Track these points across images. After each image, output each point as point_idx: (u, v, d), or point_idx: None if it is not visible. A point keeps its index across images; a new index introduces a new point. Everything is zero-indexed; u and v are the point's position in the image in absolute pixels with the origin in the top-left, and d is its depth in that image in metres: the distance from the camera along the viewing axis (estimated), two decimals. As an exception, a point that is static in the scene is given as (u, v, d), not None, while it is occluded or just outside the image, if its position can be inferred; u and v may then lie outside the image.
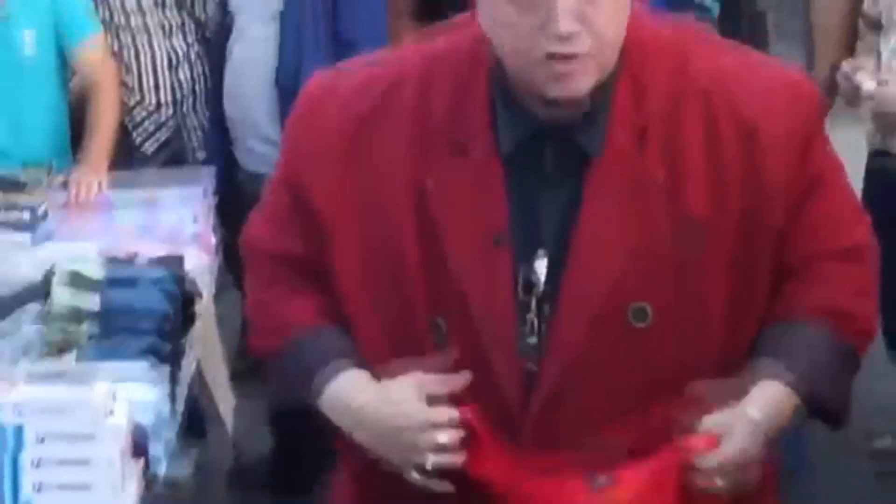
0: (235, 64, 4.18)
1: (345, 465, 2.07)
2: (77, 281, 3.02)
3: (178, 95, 4.44)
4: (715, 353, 1.87)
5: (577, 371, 1.84)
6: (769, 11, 3.60)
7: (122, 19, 4.37)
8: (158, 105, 4.42)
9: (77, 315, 2.92)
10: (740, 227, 1.86)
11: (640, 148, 1.84)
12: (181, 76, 4.44)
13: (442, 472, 1.85)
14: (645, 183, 1.83)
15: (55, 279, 3.02)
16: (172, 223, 3.66)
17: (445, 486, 1.85)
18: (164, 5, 4.40)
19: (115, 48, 4.35)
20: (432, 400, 1.85)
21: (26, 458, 2.29)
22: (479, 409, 1.85)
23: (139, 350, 2.78)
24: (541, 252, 1.87)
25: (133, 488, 2.41)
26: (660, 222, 1.84)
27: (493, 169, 1.87)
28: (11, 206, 3.68)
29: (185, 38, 4.44)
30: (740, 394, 1.85)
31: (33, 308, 3.01)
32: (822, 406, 1.92)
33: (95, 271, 3.09)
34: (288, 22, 4.03)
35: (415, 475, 1.85)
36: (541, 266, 1.87)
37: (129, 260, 3.24)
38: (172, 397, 2.80)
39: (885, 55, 3.72)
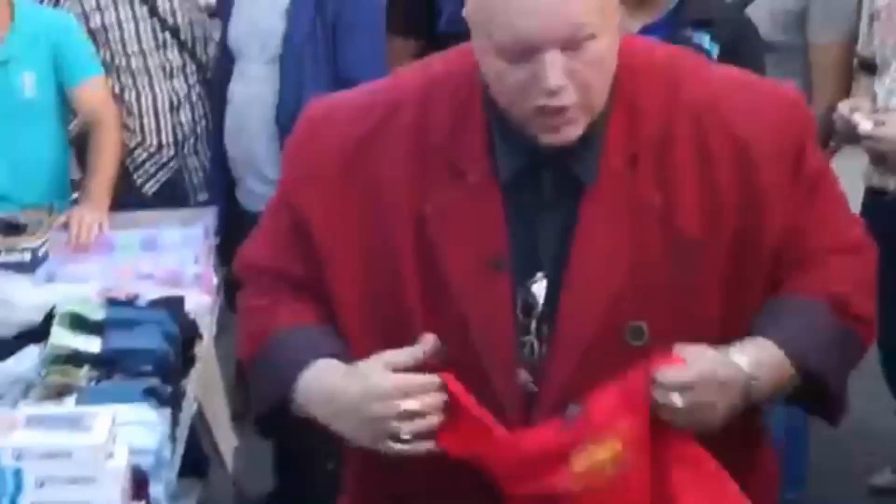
0: (236, 105, 4.19)
1: (349, 468, 2.08)
2: (77, 323, 3.03)
3: (180, 137, 4.45)
4: None
5: (576, 390, 1.85)
6: (768, 53, 3.61)
7: (124, 61, 4.39)
8: (160, 146, 4.44)
9: (77, 357, 2.92)
10: (735, 246, 1.88)
11: (634, 171, 1.86)
12: (182, 118, 4.45)
13: (442, 470, 1.86)
14: (639, 205, 1.86)
15: (55, 321, 3.03)
16: (173, 264, 3.66)
17: (425, 447, 1.84)
18: (165, 47, 4.43)
19: (117, 90, 4.37)
20: (401, 372, 1.86)
21: (26, 502, 2.29)
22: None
23: (139, 392, 2.78)
24: (539, 275, 1.89)
25: (134, 530, 2.41)
26: (654, 243, 1.86)
27: (492, 193, 1.89)
28: (11, 248, 3.68)
29: (186, 80, 4.46)
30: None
31: (33, 350, 3.02)
32: (817, 380, 1.90)
33: (96, 313, 3.10)
34: (288, 63, 4.05)
35: (391, 445, 1.84)
36: (539, 288, 1.89)
37: (130, 301, 3.24)
38: (173, 439, 2.80)
39: (880, 95, 3.74)
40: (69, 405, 2.76)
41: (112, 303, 3.21)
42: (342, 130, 1.97)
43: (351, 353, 1.93)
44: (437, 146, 1.90)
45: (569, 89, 1.78)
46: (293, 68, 4.03)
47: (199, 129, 4.47)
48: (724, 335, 1.88)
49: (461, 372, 1.86)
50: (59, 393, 2.85)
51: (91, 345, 2.97)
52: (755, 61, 3.22)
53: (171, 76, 4.45)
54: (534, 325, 1.89)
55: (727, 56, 3.20)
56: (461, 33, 1.90)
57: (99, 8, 4.38)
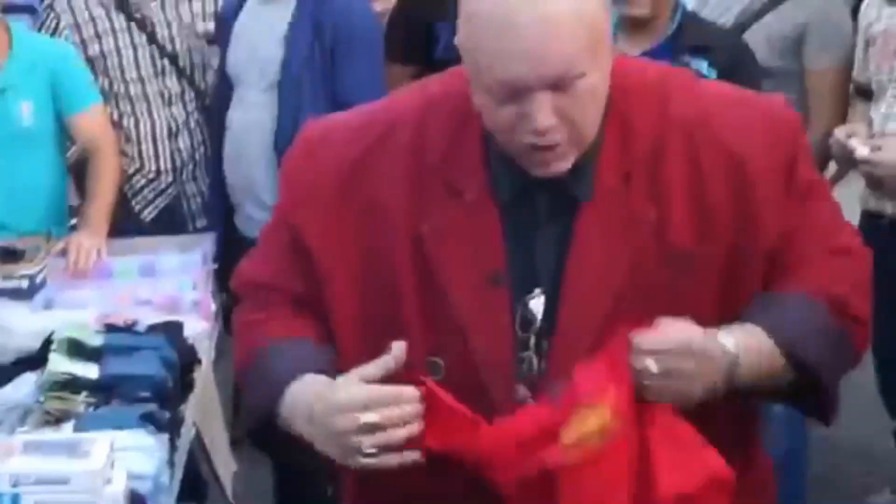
0: (235, 131, 4.19)
1: (343, 484, 2.08)
2: (75, 349, 3.03)
3: (178, 163, 4.46)
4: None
5: None
6: (765, 78, 3.63)
7: (122, 88, 4.41)
8: (158, 173, 4.45)
9: (75, 383, 2.92)
10: (729, 257, 1.89)
11: (628, 187, 1.87)
12: (181, 144, 4.46)
13: (440, 470, 1.85)
14: (633, 220, 1.87)
15: (53, 347, 3.03)
16: (171, 290, 3.66)
17: (394, 462, 1.82)
18: (163, 74, 4.44)
19: (115, 116, 4.38)
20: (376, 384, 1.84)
21: (24, 527, 2.29)
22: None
23: (137, 418, 2.78)
24: (537, 291, 1.89)
25: (131, 556, 2.41)
26: (649, 257, 1.87)
27: (489, 211, 1.90)
28: (9, 275, 3.68)
29: (184, 107, 4.47)
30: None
31: (31, 377, 3.02)
32: (809, 373, 1.89)
33: (94, 339, 3.10)
34: (286, 89, 4.06)
35: (359, 460, 1.82)
36: (537, 304, 1.89)
37: (128, 327, 3.24)
38: (171, 464, 2.80)
39: (876, 121, 3.75)
40: (67, 431, 2.76)
41: (110, 329, 3.21)
42: (339, 151, 1.97)
43: (347, 368, 1.91)
44: (434, 165, 1.91)
45: (558, 128, 1.79)
46: (291, 94, 4.04)
47: (197, 156, 4.48)
48: None
49: (460, 387, 1.86)
50: (57, 419, 2.85)
51: (89, 371, 2.97)
52: (752, 86, 3.23)
53: (170, 103, 4.45)
54: (532, 340, 1.90)
55: (725, 81, 3.22)
56: (458, 60, 1.90)
57: (97, 35, 4.39)
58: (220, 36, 4.35)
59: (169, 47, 4.44)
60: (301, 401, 1.88)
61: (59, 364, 2.97)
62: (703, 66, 3.51)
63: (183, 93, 4.47)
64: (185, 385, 3.13)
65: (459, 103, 1.91)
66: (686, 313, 1.85)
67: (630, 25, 3.69)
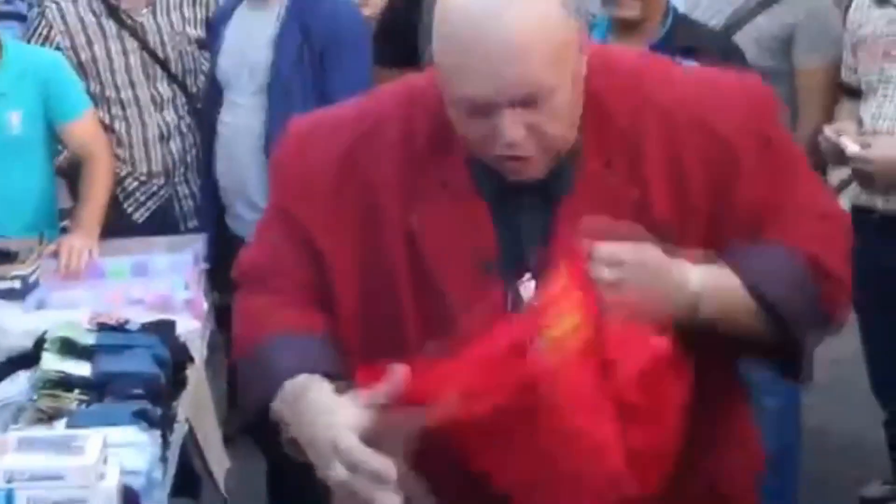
0: (226, 135, 4.21)
1: None
2: (68, 348, 3.03)
3: (170, 166, 4.47)
4: (693, 344, 1.86)
5: None
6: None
7: (114, 93, 4.41)
8: (150, 175, 4.45)
9: (67, 381, 2.93)
10: (710, 230, 1.90)
11: (610, 172, 1.88)
12: (172, 147, 4.47)
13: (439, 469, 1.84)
14: (616, 201, 1.87)
15: (46, 346, 3.04)
16: (164, 289, 3.67)
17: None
18: (155, 79, 4.44)
19: (107, 121, 4.38)
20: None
21: (18, 523, 2.30)
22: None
23: (130, 415, 2.78)
24: (528, 276, 1.90)
25: (125, 551, 2.42)
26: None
27: (476, 202, 1.91)
28: (2, 276, 3.68)
29: (176, 111, 4.48)
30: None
31: (24, 375, 3.03)
32: (778, 320, 1.89)
33: (86, 338, 3.11)
34: (275, 92, 4.07)
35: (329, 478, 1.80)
36: (528, 289, 1.89)
37: (120, 326, 3.25)
38: (164, 460, 2.80)
39: (866, 119, 3.77)
40: (60, 428, 2.76)
41: (102, 328, 3.22)
42: (330, 145, 1.98)
43: (349, 364, 1.91)
44: (422, 158, 1.92)
45: (528, 141, 1.80)
46: (281, 98, 4.05)
47: (188, 159, 4.48)
48: None
49: None
50: (50, 417, 2.85)
51: (81, 369, 2.98)
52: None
53: (162, 107, 4.46)
54: None
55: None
56: None
57: (89, 41, 4.40)
58: (211, 41, 4.37)
59: (160, 53, 4.44)
60: (295, 404, 1.85)
61: (52, 362, 2.98)
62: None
63: (174, 97, 4.48)
64: (177, 382, 3.13)
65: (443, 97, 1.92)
66: None
67: (621, 27, 3.71)
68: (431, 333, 1.87)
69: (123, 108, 4.42)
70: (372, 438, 1.76)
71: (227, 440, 3.85)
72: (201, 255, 3.99)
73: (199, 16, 4.52)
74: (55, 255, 3.87)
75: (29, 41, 4.41)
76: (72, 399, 2.89)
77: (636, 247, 1.82)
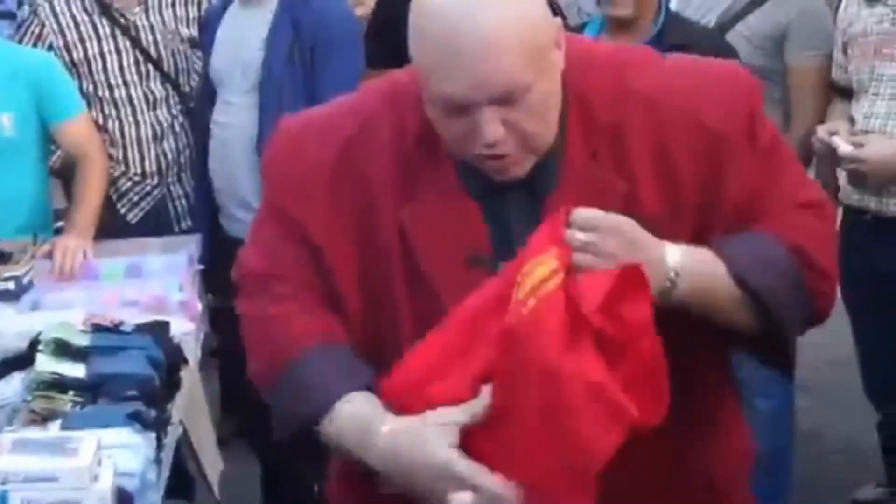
0: (219, 134, 4.21)
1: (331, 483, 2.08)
2: (62, 349, 3.03)
3: (163, 166, 4.47)
4: (682, 340, 1.86)
5: None
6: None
7: (107, 92, 4.41)
8: (143, 175, 4.46)
9: (62, 383, 2.92)
10: (699, 219, 1.90)
11: (596, 164, 1.89)
12: (166, 147, 4.47)
13: None
14: (603, 194, 1.87)
15: (40, 348, 3.04)
16: (158, 291, 3.65)
17: None
18: (148, 78, 4.45)
19: (100, 121, 4.38)
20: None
21: (11, 525, 2.30)
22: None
23: (124, 416, 2.77)
24: None
25: (119, 553, 2.42)
26: None
27: (465, 197, 1.91)
28: (-4, 277, 3.69)
29: (169, 110, 4.48)
30: None
31: (18, 377, 3.02)
32: (763, 305, 1.89)
33: (80, 339, 3.10)
34: (267, 90, 4.07)
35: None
36: None
37: (115, 327, 3.24)
38: (158, 462, 2.80)
39: (858, 118, 3.78)
40: (54, 430, 2.76)
41: (96, 329, 3.21)
42: (322, 143, 1.97)
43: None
44: (411, 153, 1.92)
45: (508, 139, 1.80)
46: (272, 95, 4.05)
47: (182, 159, 4.49)
48: None
49: None
50: (44, 418, 2.84)
51: (75, 370, 2.97)
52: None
53: (155, 107, 4.46)
54: None
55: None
56: None
57: (81, 40, 4.40)
58: (204, 40, 4.37)
59: (153, 52, 4.45)
60: (354, 426, 1.85)
61: (46, 364, 2.97)
62: (685, 65, 3.53)
63: (167, 96, 4.49)
64: (171, 384, 3.13)
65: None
66: None
67: (614, 26, 3.72)
68: (424, 329, 1.87)
69: (116, 107, 4.42)
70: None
71: (221, 442, 3.86)
72: (196, 257, 3.99)
73: (191, 14, 4.53)
74: (49, 256, 3.86)
75: (21, 40, 4.41)
76: (66, 401, 2.89)
77: (613, 216, 1.82)
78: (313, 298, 1.96)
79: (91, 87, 4.39)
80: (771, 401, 3.89)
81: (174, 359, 3.20)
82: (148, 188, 4.46)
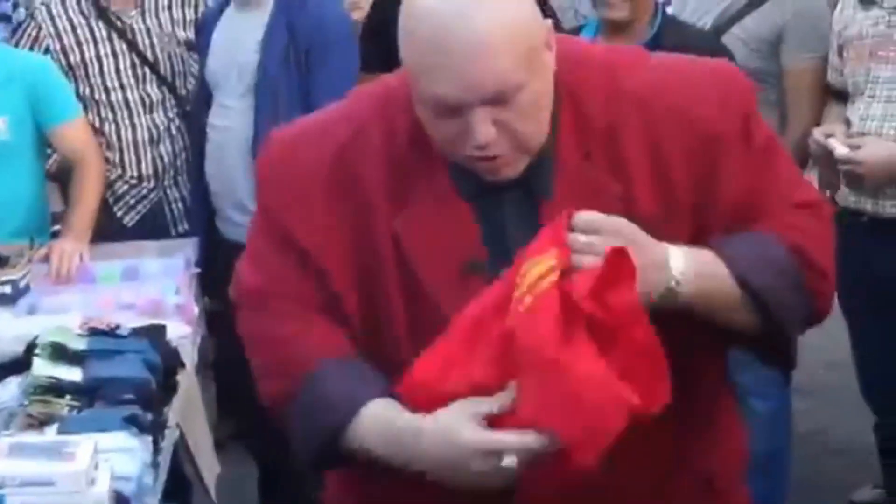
0: (215, 136, 4.21)
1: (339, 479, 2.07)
2: (59, 353, 3.03)
3: (160, 169, 4.47)
4: (681, 340, 1.86)
5: None
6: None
7: (104, 95, 4.41)
8: (140, 178, 4.46)
9: (58, 387, 2.92)
10: (695, 220, 1.90)
11: (590, 165, 1.88)
12: (162, 150, 4.47)
13: None
14: (599, 195, 1.87)
15: (37, 352, 3.04)
16: (154, 294, 3.65)
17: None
18: (144, 81, 4.45)
19: (97, 123, 4.38)
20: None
21: (8, 528, 2.30)
22: None
23: (121, 420, 2.78)
24: None
25: (116, 557, 2.42)
26: None
27: (459, 203, 1.90)
28: (-7, 280, 3.68)
29: (165, 113, 4.48)
30: None
31: (15, 381, 3.02)
32: (765, 305, 1.89)
33: (77, 343, 3.10)
34: (262, 92, 4.08)
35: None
36: None
37: (111, 330, 3.24)
38: (155, 465, 2.80)
39: (854, 121, 3.78)
40: (51, 434, 2.76)
41: (93, 333, 3.21)
42: (315, 152, 1.96)
43: None
44: (404, 160, 1.91)
45: (500, 140, 1.80)
46: (268, 98, 4.06)
47: (179, 161, 4.49)
48: None
49: None
50: (41, 422, 2.84)
51: (72, 374, 2.98)
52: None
53: (151, 110, 4.47)
54: None
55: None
56: None
57: (78, 43, 4.40)
58: (200, 43, 4.37)
59: (150, 55, 4.45)
60: (381, 430, 1.85)
61: (43, 368, 2.98)
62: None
63: (164, 99, 4.49)
64: (168, 388, 3.13)
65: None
66: None
67: (610, 29, 3.72)
68: (420, 335, 1.87)
69: (113, 110, 4.42)
70: None
71: (218, 445, 3.86)
72: (192, 260, 3.99)
73: (188, 17, 4.53)
74: (46, 259, 3.86)
75: (17, 43, 4.41)
76: (63, 405, 2.89)
77: (614, 219, 1.82)
78: (315, 313, 1.94)
79: (88, 91, 4.39)
80: (768, 402, 3.89)
81: (171, 362, 3.20)
82: (144, 191, 4.46)
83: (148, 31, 4.45)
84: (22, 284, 3.71)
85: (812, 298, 1.96)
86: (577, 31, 3.88)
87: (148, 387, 2.97)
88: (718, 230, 1.91)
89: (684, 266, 1.84)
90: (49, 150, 4.23)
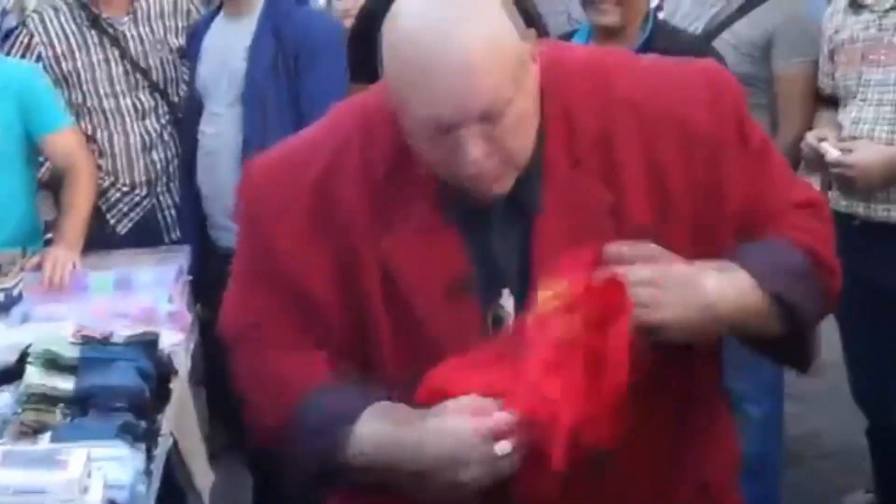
0: (206, 144, 4.22)
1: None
2: (51, 362, 3.03)
3: (153, 176, 4.47)
4: (677, 349, 1.87)
5: None
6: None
7: (96, 103, 4.41)
8: (132, 186, 4.46)
9: (52, 396, 2.92)
10: (694, 226, 1.89)
11: (581, 174, 1.87)
12: (155, 157, 4.47)
13: None
14: (591, 205, 1.86)
15: (30, 360, 3.03)
16: (147, 303, 3.66)
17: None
18: (136, 88, 4.45)
19: (89, 131, 4.38)
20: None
21: (1, 538, 2.30)
22: None
23: (114, 429, 2.78)
24: (506, 292, 1.89)
25: (109, 566, 2.42)
26: (610, 237, 1.86)
27: (444, 222, 1.88)
28: (-16, 290, 3.68)
29: (158, 121, 4.48)
30: None
31: (8, 390, 3.02)
32: (787, 311, 1.89)
33: (70, 352, 3.10)
34: (250, 100, 4.08)
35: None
36: (508, 304, 1.88)
37: (104, 339, 3.24)
38: (148, 473, 2.80)
39: (846, 124, 3.79)
40: (44, 443, 2.76)
41: (86, 341, 3.20)
42: (297, 176, 1.93)
43: None
44: (387, 180, 1.89)
45: (490, 157, 1.79)
46: (256, 105, 4.07)
47: (171, 169, 4.49)
48: None
49: None
50: (35, 431, 2.84)
51: (65, 383, 2.97)
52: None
53: (144, 117, 4.47)
54: None
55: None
56: None
57: (71, 51, 4.40)
58: (191, 50, 4.38)
59: (142, 62, 4.45)
60: (377, 433, 1.85)
61: (36, 377, 2.97)
62: (673, 73, 3.54)
63: (156, 107, 4.49)
64: (161, 395, 3.13)
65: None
66: None
67: (602, 34, 3.72)
68: (407, 356, 1.87)
69: (105, 118, 4.42)
70: None
71: (212, 455, 3.85)
72: (185, 268, 3.99)
73: (179, 25, 4.53)
74: (38, 268, 3.85)
75: (9, 51, 4.41)
76: (56, 413, 2.89)
77: (647, 246, 1.83)
78: (300, 340, 1.93)
79: (80, 98, 4.39)
80: (762, 407, 3.90)
81: (164, 370, 3.20)
82: (137, 199, 4.46)
83: (140, 38, 4.45)
84: (15, 293, 3.71)
85: (826, 297, 1.98)
86: (569, 36, 3.88)
87: (141, 395, 2.97)
88: (724, 235, 1.91)
89: (717, 283, 1.84)
90: (41, 159, 4.23)
